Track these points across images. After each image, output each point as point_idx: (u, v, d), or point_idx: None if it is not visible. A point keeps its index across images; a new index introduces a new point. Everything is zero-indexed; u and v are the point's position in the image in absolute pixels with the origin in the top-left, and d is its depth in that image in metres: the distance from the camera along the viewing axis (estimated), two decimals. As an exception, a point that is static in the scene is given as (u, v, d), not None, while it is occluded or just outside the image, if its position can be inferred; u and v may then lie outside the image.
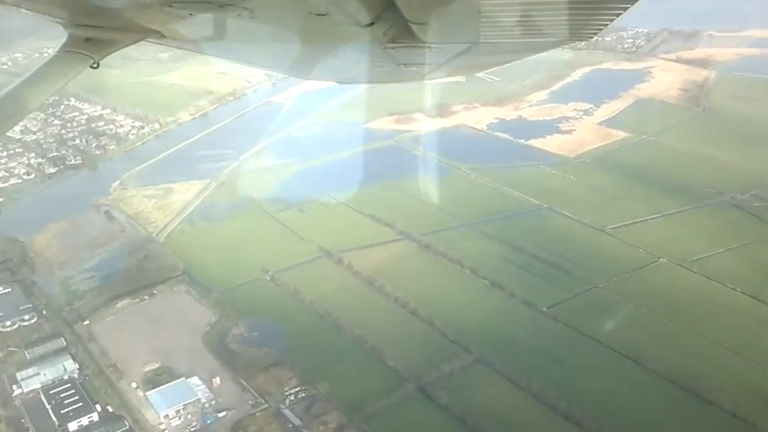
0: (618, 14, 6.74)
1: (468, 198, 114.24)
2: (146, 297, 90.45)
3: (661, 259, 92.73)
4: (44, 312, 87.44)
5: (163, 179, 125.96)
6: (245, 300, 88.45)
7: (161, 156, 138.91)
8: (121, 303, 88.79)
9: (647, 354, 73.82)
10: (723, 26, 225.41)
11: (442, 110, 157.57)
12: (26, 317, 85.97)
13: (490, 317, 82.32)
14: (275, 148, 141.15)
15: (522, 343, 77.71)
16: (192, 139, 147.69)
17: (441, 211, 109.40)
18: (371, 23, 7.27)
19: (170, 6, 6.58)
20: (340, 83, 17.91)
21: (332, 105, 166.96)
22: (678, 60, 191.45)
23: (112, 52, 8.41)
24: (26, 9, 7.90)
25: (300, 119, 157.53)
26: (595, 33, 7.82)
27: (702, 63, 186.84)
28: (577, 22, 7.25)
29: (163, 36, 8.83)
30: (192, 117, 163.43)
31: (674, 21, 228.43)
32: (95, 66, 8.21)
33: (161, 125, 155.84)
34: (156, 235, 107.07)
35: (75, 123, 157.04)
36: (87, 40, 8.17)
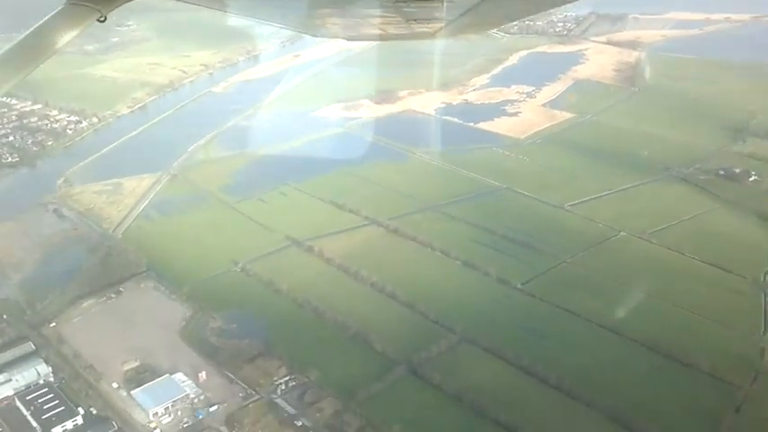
0: None
1: (428, 181, 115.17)
2: (112, 295, 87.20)
3: (621, 233, 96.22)
4: (5, 317, 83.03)
5: (110, 174, 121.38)
6: (218, 292, 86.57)
7: (104, 150, 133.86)
8: (87, 303, 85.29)
9: (623, 323, 76.65)
10: (646, 9, 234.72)
11: (388, 96, 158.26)
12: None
13: (468, 296, 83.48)
14: (224, 139, 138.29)
15: (503, 320, 79.24)
16: (134, 132, 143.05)
17: (403, 195, 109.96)
18: None
19: None
20: (349, 40, 17.96)
21: (276, 94, 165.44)
22: (609, 43, 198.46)
23: (119, 5, 8.33)
24: None
25: (245, 109, 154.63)
26: None
27: (632, 45, 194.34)
28: None
29: None
30: (130, 110, 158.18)
31: (600, 5, 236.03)
32: (102, 19, 8.03)
33: (99, 119, 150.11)
34: (113, 231, 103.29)
35: (5, 120, 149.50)
36: None
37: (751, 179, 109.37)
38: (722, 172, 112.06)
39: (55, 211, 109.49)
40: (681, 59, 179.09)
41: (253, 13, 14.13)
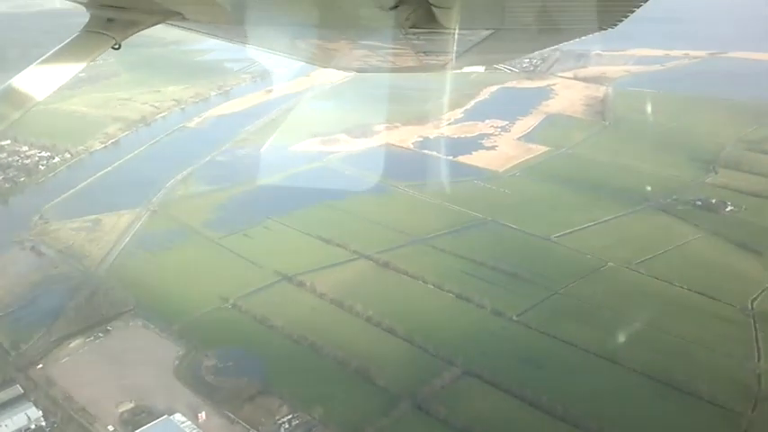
0: (642, 2, 6.99)
1: (413, 215, 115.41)
2: (100, 335, 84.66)
3: (609, 263, 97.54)
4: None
5: (87, 210, 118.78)
6: (211, 330, 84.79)
7: (80, 186, 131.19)
8: (75, 343, 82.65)
9: (620, 352, 77.44)
10: (607, 46, 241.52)
11: (365, 130, 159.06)
12: (-33, 366, 78.33)
13: (465, 329, 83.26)
14: (202, 174, 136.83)
15: (503, 352, 79.20)
16: (109, 168, 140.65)
17: (389, 228, 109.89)
18: (395, 6, 7.39)
19: None
20: (359, 72, 18.39)
21: (250, 129, 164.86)
22: (575, 78, 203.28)
23: (134, 33, 8.57)
24: None
25: (221, 144, 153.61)
26: (620, 20, 7.97)
27: (598, 80, 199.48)
28: (603, 9, 7.48)
29: (184, 18, 9.10)
30: (103, 145, 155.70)
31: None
32: (117, 47, 8.33)
33: (72, 155, 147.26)
34: (96, 269, 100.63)
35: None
36: (109, 20, 8.30)
37: (727, 209, 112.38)
38: (699, 202, 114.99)
39: (32, 248, 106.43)
40: (646, 94, 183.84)
41: (264, 44, 14.15)
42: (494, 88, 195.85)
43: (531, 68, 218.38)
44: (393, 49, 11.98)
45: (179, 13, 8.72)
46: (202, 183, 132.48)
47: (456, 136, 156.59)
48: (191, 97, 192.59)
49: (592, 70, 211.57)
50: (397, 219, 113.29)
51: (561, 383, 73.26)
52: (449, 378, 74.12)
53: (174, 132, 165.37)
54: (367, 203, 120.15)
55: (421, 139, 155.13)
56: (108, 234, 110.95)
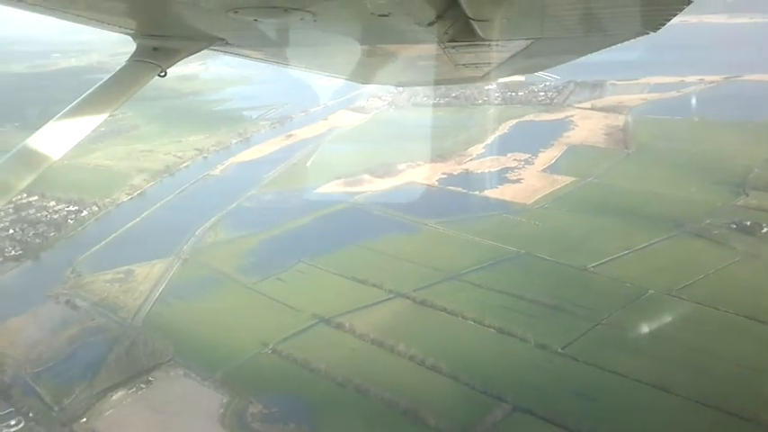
0: (686, 4, 6.76)
1: (445, 251, 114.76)
2: (142, 386, 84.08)
3: (650, 291, 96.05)
4: (31, 415, 79.36)
5: (119, 262, 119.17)
6: (253, 376, 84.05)
7: (110, 238, 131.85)
8: (117, 395, 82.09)
9: (672, 381, 75.79)
10: (621, 75, 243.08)
11: (388, 169, 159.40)
12: (12, 422, 77.69)
13: (511, 364, 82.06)
14: (230, 221, 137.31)
15: (552, 385, 77.68)
16: (137, 219, 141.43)
17: (422, 266, 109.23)
18: (433, 22, 7.39)
19: (235, 12, 6.87)
20: (397, 86, 18.35)
21: (273, 174, 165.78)
22: (593, 108, 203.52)
23: (179, 60, 8.76)
24: (95, 22, 8.19)
25: (246, 190, 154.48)
26: (662, 25, 7.86)
27: (615, 109, 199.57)
28: (644, 14, 7.44)
29: (228, 44, 9.28)
30: (129, 197, 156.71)
31: (576, 73, 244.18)
32: (163, 75, 8.54)
33: (99, 207, 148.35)
34: (132, 320, 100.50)
35: (2, 213, 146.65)
36: (155, 49, 8.45)
37: (764, 230, 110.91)
38: (734, 225, 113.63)
39: (67, 302, 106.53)
40: (666, 121, 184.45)
41: (306, 64, 14.33)
42: (513, 122, 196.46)
43: (548, 101, 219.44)
44: (432, 62, 12.20)
45: (222, 39, 8.89)
46: (231, 229, 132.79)
47: (480, 171, 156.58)
48: (212, 146, 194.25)
49: (609, 100, 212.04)
50: (430, 256, 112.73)
51: (617, 415, 71.82)
52: (500, 414, 72.75)
53: (198, 181, 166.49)
54: (397, 242, 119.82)
55: (445, 175, 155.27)
56: (141, 284, 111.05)
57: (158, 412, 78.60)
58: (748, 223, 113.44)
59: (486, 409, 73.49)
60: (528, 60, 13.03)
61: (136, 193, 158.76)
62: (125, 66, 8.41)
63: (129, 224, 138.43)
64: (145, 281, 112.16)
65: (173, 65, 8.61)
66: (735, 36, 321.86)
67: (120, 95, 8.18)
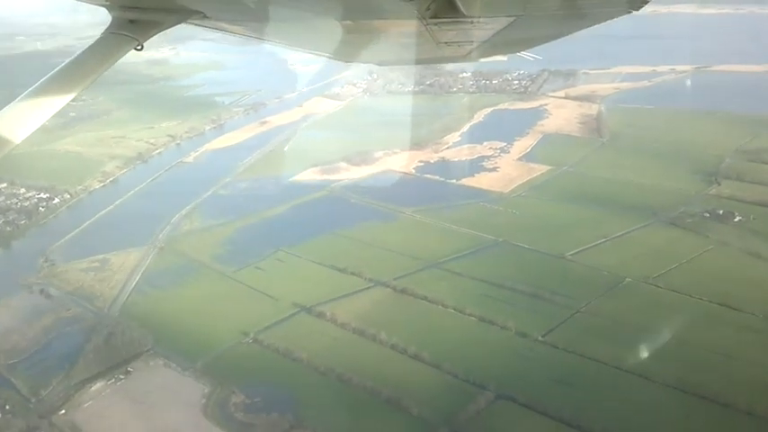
0: None
1: (423, 240, 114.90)
2: (121, 376, 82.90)
3: (627, 279, 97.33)
4: (8, 407, 77.81)
5: (94, 250, 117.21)
6: (234, 366, 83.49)
7: (83, 226, 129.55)
8: (96, 386, 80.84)
9: (650, 368, 77.05)
10: (593, 64, 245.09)
11: (365, 157, 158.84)
12: (-12, 415, 76.30)
13: (492, 352, 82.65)
14: (206, 209, 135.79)
15: (533, 373, 78.45)
16: (111, 206, 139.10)
17: (401, 254, 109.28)
18: None
19: None
20: (380, 65, 18.54)
21: (249, 161, 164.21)
22: (567, 97, 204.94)
23: (156, 33, 8.69)
24: None
25: (221, 177, 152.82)
26: (645, 3, 8.02)
27: (589, 98, 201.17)
28: None
29: (206, 17, 9.28)
30: (102, 184, 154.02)
31: (549, 62, 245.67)
32: (140, 48, 8.49)
33: (71, 195, 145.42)
34: (109, 309, 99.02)
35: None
36: (131, 21, 8.40)
37: (736, 219, 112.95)
38: (707, 214, 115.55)
39: (41, 291, 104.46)
40: (639, 110, 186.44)
41: (286, 40, 14.34)
42: (487, 110, 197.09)
43: (522, 90, 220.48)
44: (415, 40, 12.08)
45: (200, 12, 8.83)
46: (207, 217, 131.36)
47: (456, 159, 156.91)
48: (185, 132, 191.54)
49: (582, 89, 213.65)
50: (409, 244, 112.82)
51: (597, 402, 72.81)
52: (483, 402, 73.28)
53: (172, 168, 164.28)
54: (376, 230, 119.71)
55: (422, 163, 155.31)
56: (117, 273, 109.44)
57: (138, 403, 77.70)
58: (721, 212, 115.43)
59: (469, 398, 73.97)
60: (511, 39, 12.94)
61: (108, 180, 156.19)
62: (100, 38, 8.28)
63: (103, 212, 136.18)
64: (120, 270, 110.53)
65: (149, 38, 8.53)
66: (704, 26, 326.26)
67: (94, 69, 8.06)
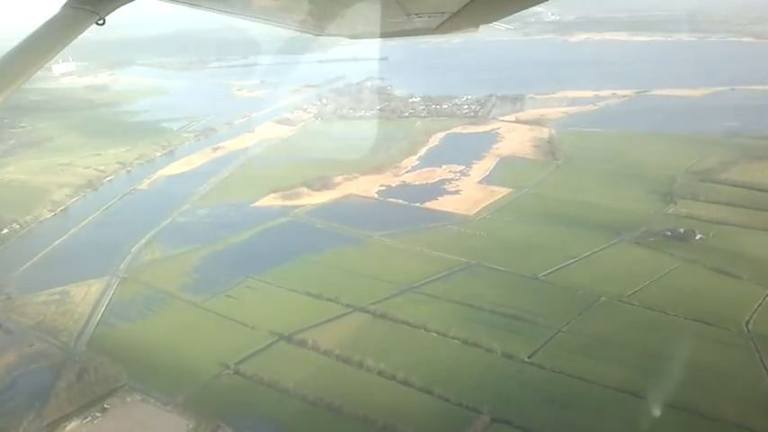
0: None
1: (395, 264, 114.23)
2: (98, 414, 78.70)
3: (602, 298, 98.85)
4: (-25, 453, 73.04)
5: (52, 282, 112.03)
6: (217, 399, 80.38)
7: (36, 258, 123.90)
8: (71, 426, 76.55)
9: (640, 385, 77.99)
10: (537, 89, 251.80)
11: (325, 182, 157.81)
12: (-45, 462, 71.23)
13: (481, 375, 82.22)
14: (166, 237, 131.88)
15: (524, 395, 78.32)
16: (65, 236, 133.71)
17: (375, 279, 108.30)
18: None
19: None
20: (351, 38, 18.77)
21: (205, 188, 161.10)
22: (517, 121, 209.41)
23: (118, 7, 8.52)
24: None
25: (179, 204, 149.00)
26: None
27: (538, 122, 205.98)
28: None
29: None
30: (52, 213, 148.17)
31: (494, 88, 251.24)
32: (101, 22, 8.21)
33: (21, 225, 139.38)
34: (75, 344, 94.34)
35: None
36: None
37: (697, 237, 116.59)
38: (669, 233, 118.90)
39: (0, 326, 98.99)
40: (588, 133, 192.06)
41: (251, 13, 14.12)
42: (441, 134, 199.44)
43: (472, 114, 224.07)
44: (384, 13, 12.02)
45: None
46: (169, 246, 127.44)
47: (417, 183, 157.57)
48: (135, 159, 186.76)
49: (530, 113, 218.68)
50: (381, 269, 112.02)
51: (592, 422, 73.12)
52: (480, 427, 72.56)
53: (125, 196, 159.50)
54: (346, 255, 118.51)
55: (383, 187, 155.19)
56: (80, 306, 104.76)
57: (120, 442, 73.94)
58: (682, 231, 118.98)
59: (465, 422, 73.17)
60: (480, 11, 12.87)
61: (59, 210, 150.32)
62: (59, 12, 7.89)
63: (57, 242, 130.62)
64: (83, 302, 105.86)
65: (111, 12, 8.24)
66: (638, 53, 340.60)
67: (53, 46, 7.59)
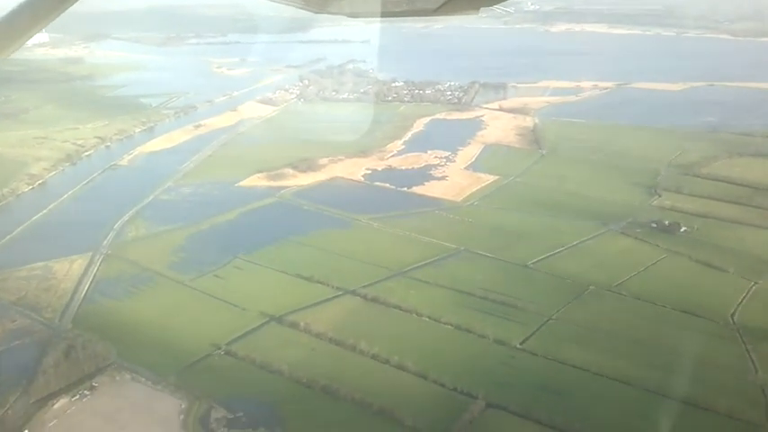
0: None
1: (384, 248, 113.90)
2: (86, 392, 77.11)
3: (590, 287, 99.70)
4: (-39, 430, 71.18)
5: (32, 257, 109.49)
6: (210, 379, 79.34)
7: (15, 232, 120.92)
8: (59, 404, 74.88)
9: (629, 373, 78.94)
10: (519, 79, 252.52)
11: (310, 164, 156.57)
12: (-61, 438, 69.36)
13: (474, 360, 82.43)
14: (150, 215, 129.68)
15: (518, 381, 78.68)
16: (45, 211, 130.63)
17: (364, 263, 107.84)
18: None
19: None
20: (350, 16, 18.90)
21: (188, 166, 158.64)
22: (501, 109, 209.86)
23: None
24: None
25: (161, 182, 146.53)
26: None
27: (521, 111, 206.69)
28: None
29: None
30: (30, 187, 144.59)
31: (476, 75, 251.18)
32: None
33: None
34: (60, 320, 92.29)
35: None
36: None
37: (682, 230, 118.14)
38: (654, 225, 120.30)
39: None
40: (571, 123, 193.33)
41: None
42: (426, 120, 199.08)
43: (456, 100, 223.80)
44: None
45: None
46: (153, 223, 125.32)
47: (404, 167, 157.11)
48: (114, 134, 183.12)
49: (514, 102, 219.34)
50: (370, 252, 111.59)
51: (586, 409, 73.67)
52: (476, 411, 72.79)
53: (106, 171, 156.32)
54: (334, 238, 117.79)
55: (369, 171, 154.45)
56: (63, 282, 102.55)
57: (111, 420, 72.54)
58: (667, 223, 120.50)
59: (461, 407, 73.28)
60: None
61: (37, 183, 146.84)
62: None
63: (36, 216, 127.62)
64: (66, 278, 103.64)
65: None
66: (617, 45, 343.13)
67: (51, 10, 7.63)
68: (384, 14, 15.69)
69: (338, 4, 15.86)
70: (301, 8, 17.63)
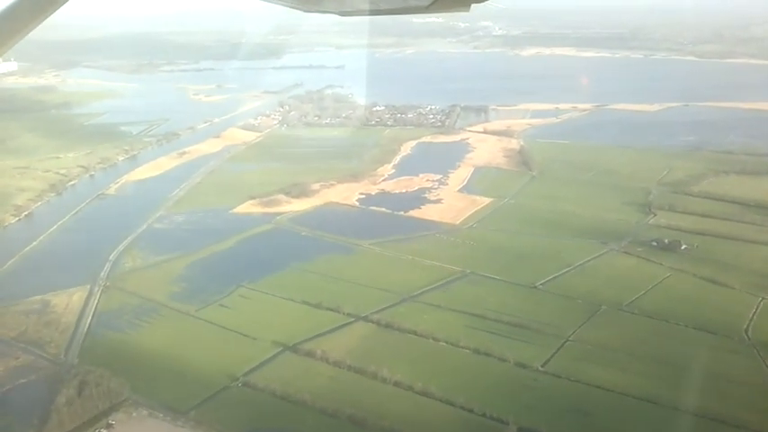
0: None
1: (390, 273, 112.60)
2: (103, 431, 74.38)
3: (602, 306, 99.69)
4: (-25, 475, 67.71)
5: (29, 291, 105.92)
6: (231, 413, 76.90)
7: (7, 265, 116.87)
8: (77, 444, 72.14)
9: (656, 393, 78.58)
10: (498, 101, 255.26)
11: (302, 189, 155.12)
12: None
13: (498, 384, 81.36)
14: (145, 244, 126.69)
15: (544, 404, 77.75)
16: (35, 243, 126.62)
17: (373, 288, 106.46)
18: None
19: None
20: (341, 15, 18.99)
21: (178, 194, 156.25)
22: (485, 132, 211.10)
23: None
24: None
25: (152, 211, 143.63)
26: None
27: (506, 133, 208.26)
28: None
29: None
30: (16, 218, 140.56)
31: (456, 99, 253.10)
32: None
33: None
34: (65, 356, 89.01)
35: None
36: None
37: (682, 247, 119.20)
38: (655, 243, 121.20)
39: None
40: (556, 144, 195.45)
41: None
42: (412, 143, 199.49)
43: (439, 123, 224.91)
44: None
45: None
46: (149, 253, 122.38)
47: (397, 191, 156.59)
48: (97, 163, 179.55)
49: (497, 124, 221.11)
50: (376, 277, 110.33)
51: (616, 429, 73.24)
52: (510, 437, 71.80)
53: (93, 201, 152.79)
54: (337, 264, 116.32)
55: (363, 195, 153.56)
56: (64, 315, 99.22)
57: (133, 460, 69.89)
58: (667, 241, 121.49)
59: (493, 432, 72.28)
60: None
61: (23, 215, 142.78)
62: None
63: (27, 248, 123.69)
64: (66, 311, 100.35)
65: None
66: (588, 68, 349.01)
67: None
68: (375, 12, 15.32)
69: (328, 3, 15.55)
70: (292, 7, 17.40)
